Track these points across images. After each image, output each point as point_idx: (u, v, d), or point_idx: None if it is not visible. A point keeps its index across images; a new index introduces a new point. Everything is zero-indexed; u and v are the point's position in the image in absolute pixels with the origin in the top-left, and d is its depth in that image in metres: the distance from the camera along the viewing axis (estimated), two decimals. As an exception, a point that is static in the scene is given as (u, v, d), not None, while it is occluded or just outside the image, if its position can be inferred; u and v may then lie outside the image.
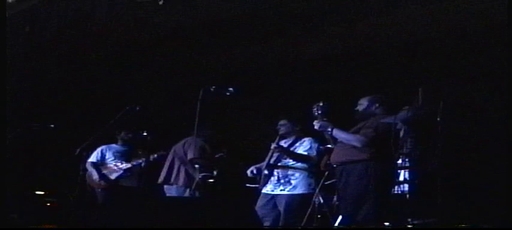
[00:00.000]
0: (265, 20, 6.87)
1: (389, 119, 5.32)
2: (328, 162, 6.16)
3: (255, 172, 6.34)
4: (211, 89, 5.52)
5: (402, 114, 5.32)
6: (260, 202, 6.27)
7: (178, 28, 7.31)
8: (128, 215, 4.55)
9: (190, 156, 6.80)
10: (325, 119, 5.48)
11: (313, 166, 6.25)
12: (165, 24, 7.24)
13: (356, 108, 5.70)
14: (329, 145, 5.93)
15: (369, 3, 6.29)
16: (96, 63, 8.23)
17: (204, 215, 4.60)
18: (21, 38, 7.22)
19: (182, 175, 6.90)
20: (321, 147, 6.22)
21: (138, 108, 6.33)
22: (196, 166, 6.74)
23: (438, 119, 4.94)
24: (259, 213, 6.21)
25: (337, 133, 5.45)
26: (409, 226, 5.32)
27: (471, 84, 6.55)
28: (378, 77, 7.39)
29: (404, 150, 5.72)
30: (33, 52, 7.50)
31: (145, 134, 6.62)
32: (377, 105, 5.57)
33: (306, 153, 6.23)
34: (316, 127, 5.53)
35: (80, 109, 8.23)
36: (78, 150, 6.44)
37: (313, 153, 6.23)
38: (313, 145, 6.22)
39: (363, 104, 5.66)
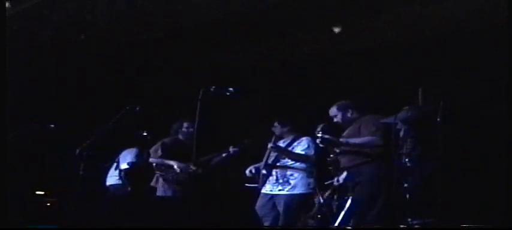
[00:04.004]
0: (265, 20, 6.87)
1: (389, 119, 5.32)
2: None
3: (253, 171, 6.34)
4: (211, 89, 5.53)
5: (402, 114, 5.32)
6: (259, 202, 6.27)
7: (178, 28, 7.31)
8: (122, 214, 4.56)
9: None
10: (326, 136, 5.53)
11: (311, 165, 6.24)
12: (166, 24, 7.25)
13: (334, 120, 5.85)
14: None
15: (368, 3, 6.29)
16: (96, 63, 8.23)
17: (204, 215, 4.60)
18: (21, 38, 7.23)
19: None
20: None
21: (138, 108, 6.32)
22: (154, 165, 6.75)
23: (438, 119, 4.93)
24: (258, 213, 6.22)
25: (348, 142, 5.58)
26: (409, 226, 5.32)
27: (471, 84, 6.55)
28: (378, 77, 7.40)
29: (404, 150, 5.71)
30: (33, 52, 7.49)
31: (145, 134, 6.61)
32: (350, 110, 5.80)
33: (303, 153, 6.23)
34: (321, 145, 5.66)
35: (80, 109, 8.22)
36: (78, 150, 6.43)
37: (311, 152, 6.22)
38: (311, 144, 6.22)
39: (337, 115, 5.83)
